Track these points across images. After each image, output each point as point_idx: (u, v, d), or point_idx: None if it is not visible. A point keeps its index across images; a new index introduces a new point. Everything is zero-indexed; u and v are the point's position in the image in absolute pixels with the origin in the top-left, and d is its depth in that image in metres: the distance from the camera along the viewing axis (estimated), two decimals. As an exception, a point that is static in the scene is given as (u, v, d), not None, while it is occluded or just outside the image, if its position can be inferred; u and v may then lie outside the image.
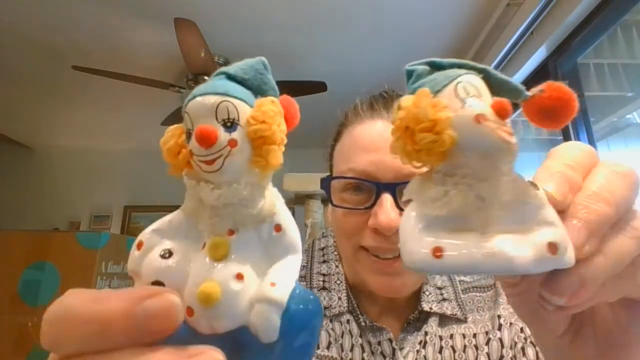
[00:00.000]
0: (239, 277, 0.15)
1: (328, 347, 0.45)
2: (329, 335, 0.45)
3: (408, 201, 0.17)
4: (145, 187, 3.12)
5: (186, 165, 0.16)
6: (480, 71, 0.16)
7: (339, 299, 0.48)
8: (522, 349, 0.43)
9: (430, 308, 0.47)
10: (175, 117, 2.24)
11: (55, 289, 1.37)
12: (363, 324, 0.46)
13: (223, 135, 0.15)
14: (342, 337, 0.46)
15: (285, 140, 0.16)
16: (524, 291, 0.21)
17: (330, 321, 0.46)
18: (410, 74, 0.17)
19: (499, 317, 0.46)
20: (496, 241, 0.14)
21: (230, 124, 0.15)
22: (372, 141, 0.44)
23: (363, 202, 0.42)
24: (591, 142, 1.34)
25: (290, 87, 1.90)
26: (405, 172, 0.40)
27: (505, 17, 1.53)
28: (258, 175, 0.16)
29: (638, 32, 1.37)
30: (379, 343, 0.45)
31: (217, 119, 0.15)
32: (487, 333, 0.46)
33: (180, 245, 0.17)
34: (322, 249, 0.54)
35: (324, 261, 0.52)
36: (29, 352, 1.30)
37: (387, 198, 0.40)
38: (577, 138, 1.35)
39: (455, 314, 0.47)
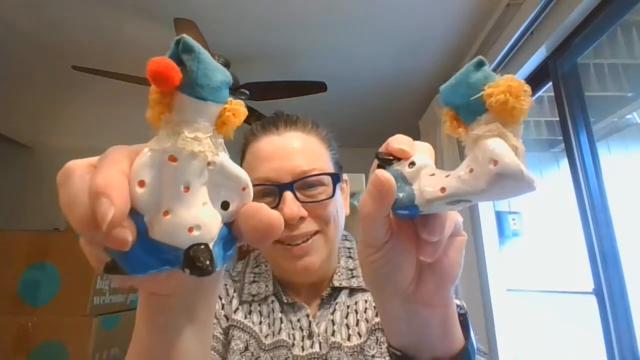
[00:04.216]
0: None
1: (260, 324, 0.55)
2: (260, 315, 0.56)
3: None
4: (145, 187, 3.12)
5: None
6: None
7: (266, 286, 0.58)
8: None
9: (340, 284, 0.57)
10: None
11: (55, 289, 1.37)
12: (285, 301, 0.56)
13: None
14: (268, 316, 0.56)
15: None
16: (384, 255, 0.27)
17: (259, 305, 0.57)
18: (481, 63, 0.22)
19: None
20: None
21: None
22: (268, 152, 0.54)
23: (270, 204, 0.51)
24: (591, 142, 1.34)
25: (290, 87, 1.91)
26: (298, 171, 0.52)
27: (505, 17, 1.53)
28: None
29: (638, 32, 1.37)
30: (299, 320, 0.55)
31: None
32: None
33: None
34: (256, 257, 0.64)
35: (256, 265, 0.62)
36: (29, 352, 1.30)
37: (288, 194, 0.51)
38: (577, 138, 1.35)
39: (361, 286, 0.57)
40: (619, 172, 1.46)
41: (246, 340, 0.53)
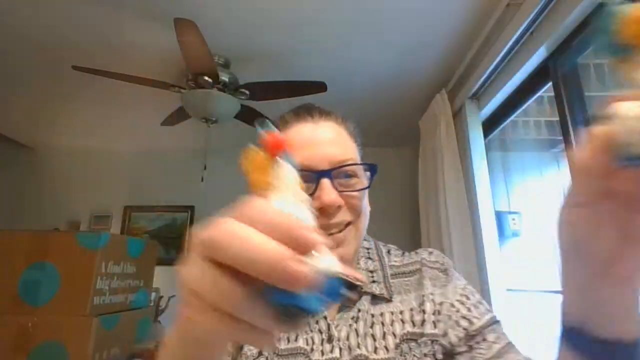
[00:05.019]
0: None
1: None
2: None
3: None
4: (145, 188, 3.12)
5: None
6: None
7: None
8: (438, 311, 0.54)
9: (361, 288, 0.53)
10: (175, 117, 2.24)
11: (55, 289, 1.37)
12: None
13: None
14: None
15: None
16: (588, 215, 0.26)
17: None
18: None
19: (423, 295, 0.55)
20: None
21: None
22: (304, 139, 0.53)
23: (307, 191, 0.51)
24: (591, 142, 1.33)
25: (290, 87, 1.91)
26: (335, 160, 0.51)
27: (505, 17, 1.53)
28: None
29: (638, 32, 1.37)
30: (317, 322, 0.53)
31: None
32: (411, 310, 0.54)
33: None
34: None
35: None
36: (29, 352, 1.30)
37: (326, 182, 0.49)
38: (577, 138, 1.35)
39: (382, 294, 0.55)
40: (619, 172, 1.46)
41: None
